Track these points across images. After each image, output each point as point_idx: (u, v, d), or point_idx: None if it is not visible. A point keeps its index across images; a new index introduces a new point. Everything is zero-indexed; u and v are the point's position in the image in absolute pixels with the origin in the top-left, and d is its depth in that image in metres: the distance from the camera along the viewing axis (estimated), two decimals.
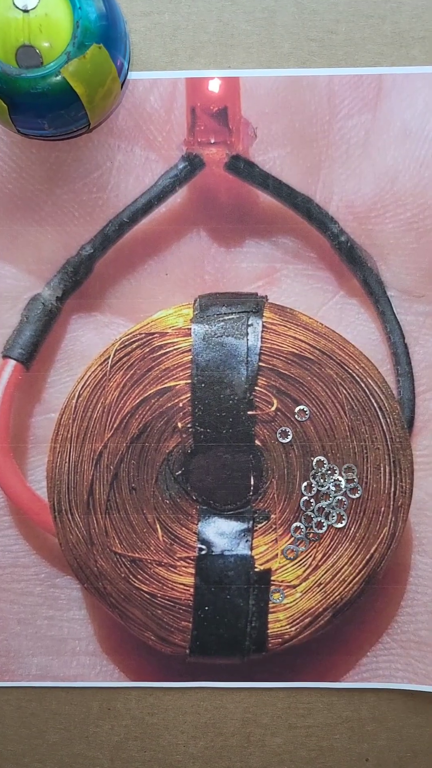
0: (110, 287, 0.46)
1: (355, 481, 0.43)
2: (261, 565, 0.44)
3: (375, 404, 0.44)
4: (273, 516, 0.44)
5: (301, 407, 0.43)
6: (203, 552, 0.44)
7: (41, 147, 0.45)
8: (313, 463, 0.43)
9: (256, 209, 0.45)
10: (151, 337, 0.44)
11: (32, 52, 0.40)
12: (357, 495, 0.43)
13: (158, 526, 0.44)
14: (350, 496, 0.43)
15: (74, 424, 0.44)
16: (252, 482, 0.44)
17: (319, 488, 0.43)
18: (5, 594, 0.46)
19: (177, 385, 0.44)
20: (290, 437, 0.44)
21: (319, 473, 0.43)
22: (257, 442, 0.44)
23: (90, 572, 0.44)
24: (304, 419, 0.44)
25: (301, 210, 0.45)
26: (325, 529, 0.43)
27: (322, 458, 0.43)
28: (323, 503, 0.44)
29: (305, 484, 0.44)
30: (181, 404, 0.44)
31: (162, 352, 0.44)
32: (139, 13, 0.45)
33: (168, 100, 0.45)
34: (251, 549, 0.44)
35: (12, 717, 0.46)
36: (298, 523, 0.43)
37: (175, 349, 0.44)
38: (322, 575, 0.44)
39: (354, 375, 0.44)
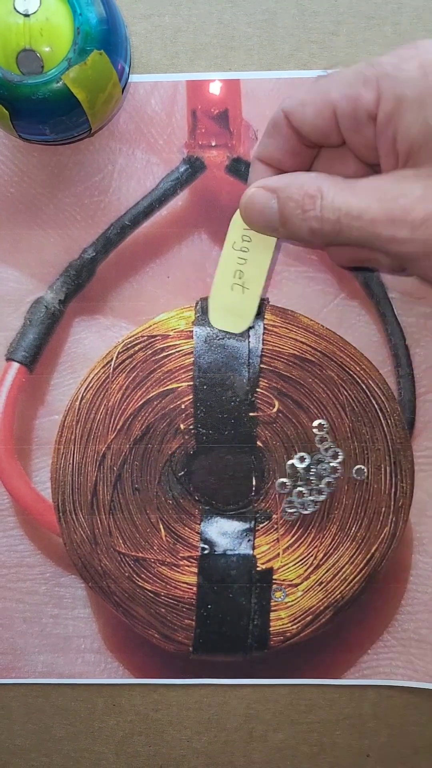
0: (112, 290, 0.46)
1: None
2: (263, 564, 0.44)
3: (376, 405, 0.44)
4: (275, 516, 0.44)
5: (320, 422, 0.44)
6: (206, 551, 0.44)
7: (43, 151, 0.45)
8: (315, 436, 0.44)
9: None
10: (153, 339, 0.45)
11: (33, 56, 0.40)
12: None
13: (161, 526, 0.45)
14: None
15: (78, 426, 0.45)
16: (254, 483, 0.45)
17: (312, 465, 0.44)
18: (11, 593, 0.46)
19: (179, 387, 0.44)
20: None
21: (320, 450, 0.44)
22: (259, 444, 0.44)
23: (94, 571, 0.45)
24: (323, 432, 0.44)
25: None
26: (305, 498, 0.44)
27: (323, 422, 0.43)
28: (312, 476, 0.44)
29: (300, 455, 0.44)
30: (183, 406, 0.44)
31: (164, 354, 0.44)
32: (140, 15, 0.45)
33: (169, 102, 0.45)
34: (253, 548, 0.44)
35: (19, 713, 0.47)
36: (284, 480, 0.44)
37: (177, 352, 0.44)
38: (324, 574, 0.44)
39: (355, 376, 0.44)
